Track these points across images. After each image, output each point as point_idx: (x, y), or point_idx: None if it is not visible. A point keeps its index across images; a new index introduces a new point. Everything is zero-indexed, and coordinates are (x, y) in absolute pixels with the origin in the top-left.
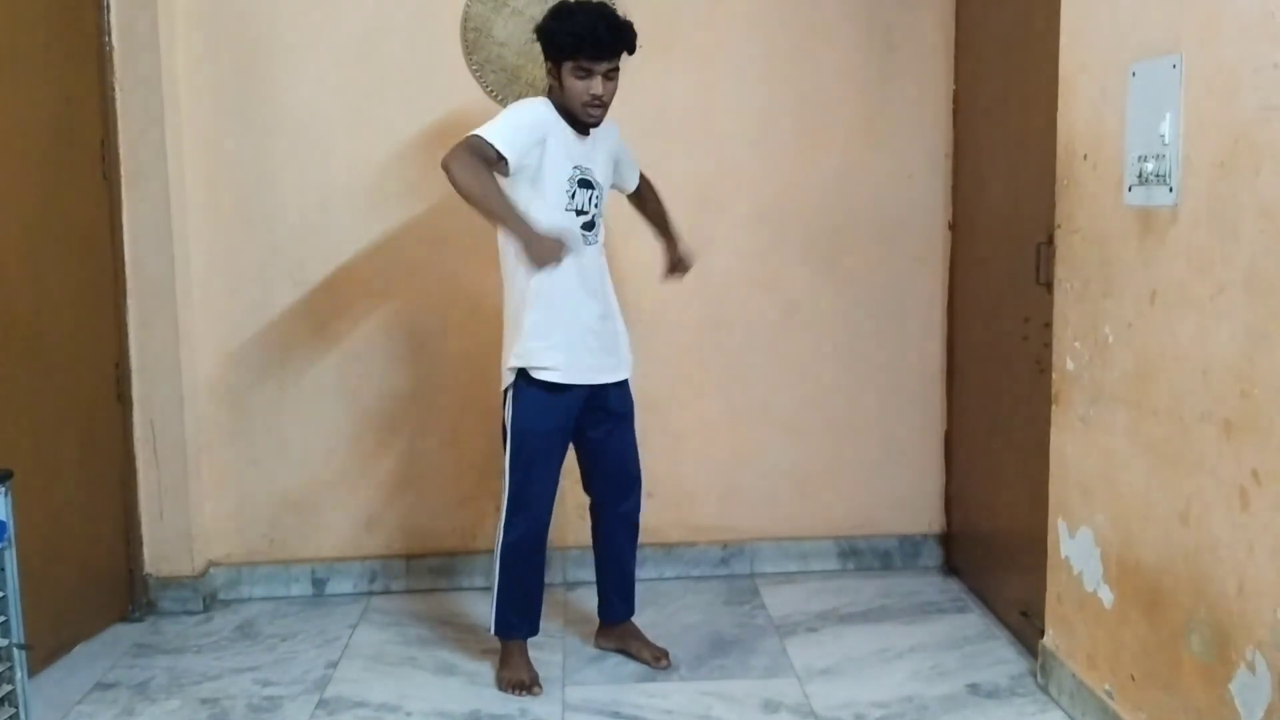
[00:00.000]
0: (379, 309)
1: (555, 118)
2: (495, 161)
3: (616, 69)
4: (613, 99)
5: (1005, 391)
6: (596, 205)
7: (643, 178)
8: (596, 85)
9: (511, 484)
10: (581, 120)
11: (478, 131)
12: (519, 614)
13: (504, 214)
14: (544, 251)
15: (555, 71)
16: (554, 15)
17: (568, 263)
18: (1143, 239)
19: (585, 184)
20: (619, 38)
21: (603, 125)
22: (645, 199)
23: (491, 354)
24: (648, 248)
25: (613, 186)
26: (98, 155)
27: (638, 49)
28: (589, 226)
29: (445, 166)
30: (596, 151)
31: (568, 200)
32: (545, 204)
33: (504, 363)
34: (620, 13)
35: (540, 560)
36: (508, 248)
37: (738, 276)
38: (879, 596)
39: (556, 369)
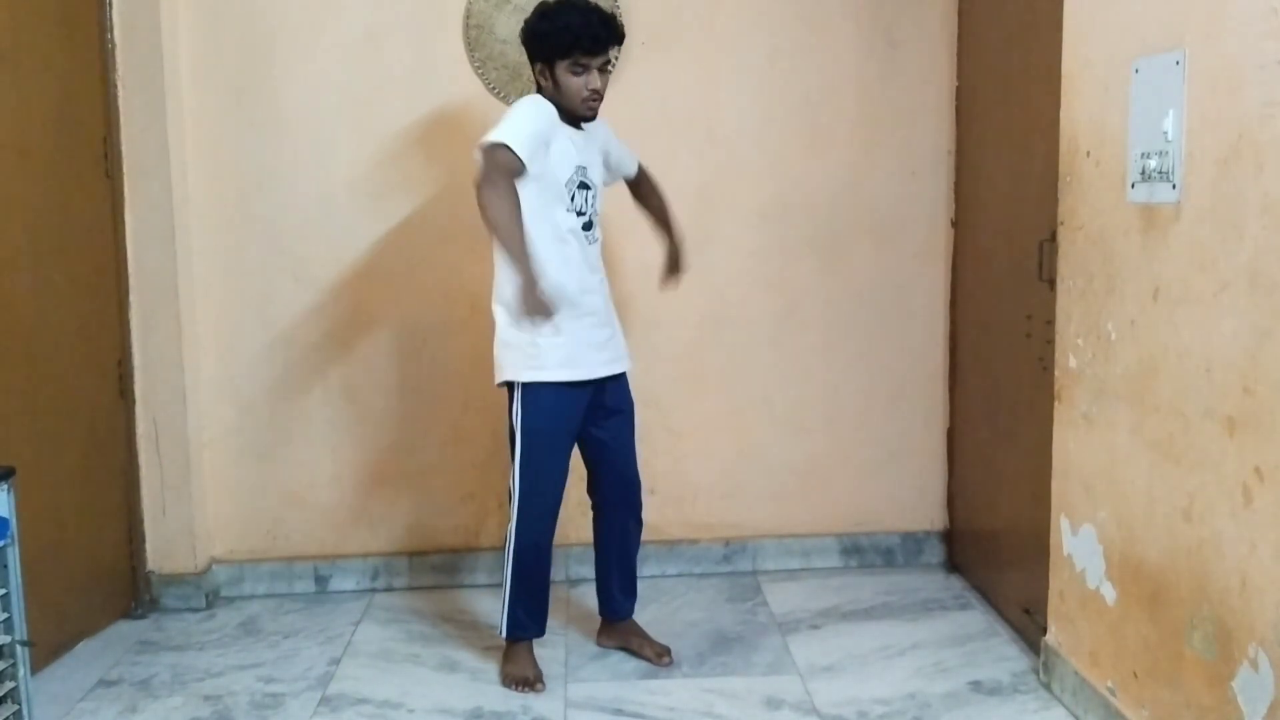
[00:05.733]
0: (381, 306)
1: (556, 116)
2: (519, 169)
3: (609, 62)
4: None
5: (1008, 389)
6: (593, 205)
7: (642, 170)
8: (594, 80)
9: (522, 485)
10: (580, 115)
11: (497, 137)
12: (530, 614)
13: (518, 256)
14: (537, 306)
15: (548, 71)
16: (542, 15)
17: (580, 255)
18: (1145, 236)
19: (584, 185)
20: (612, 31)
21: (590, 135)
22: (645, 191)
23: (493, 351)
24: (648, 247)
25: (608, 182)
26: (100, 152)
27: (640, 46)
28: (588, 226)
29: (478, 188)
30: (591, 150)
31: (569, 201)
32: (549, 206)
33: (501, 361)
34: (608, 6)
35: (549, 559)
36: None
37: (739, 273)
38: (881, 594)
39: (563, 367)
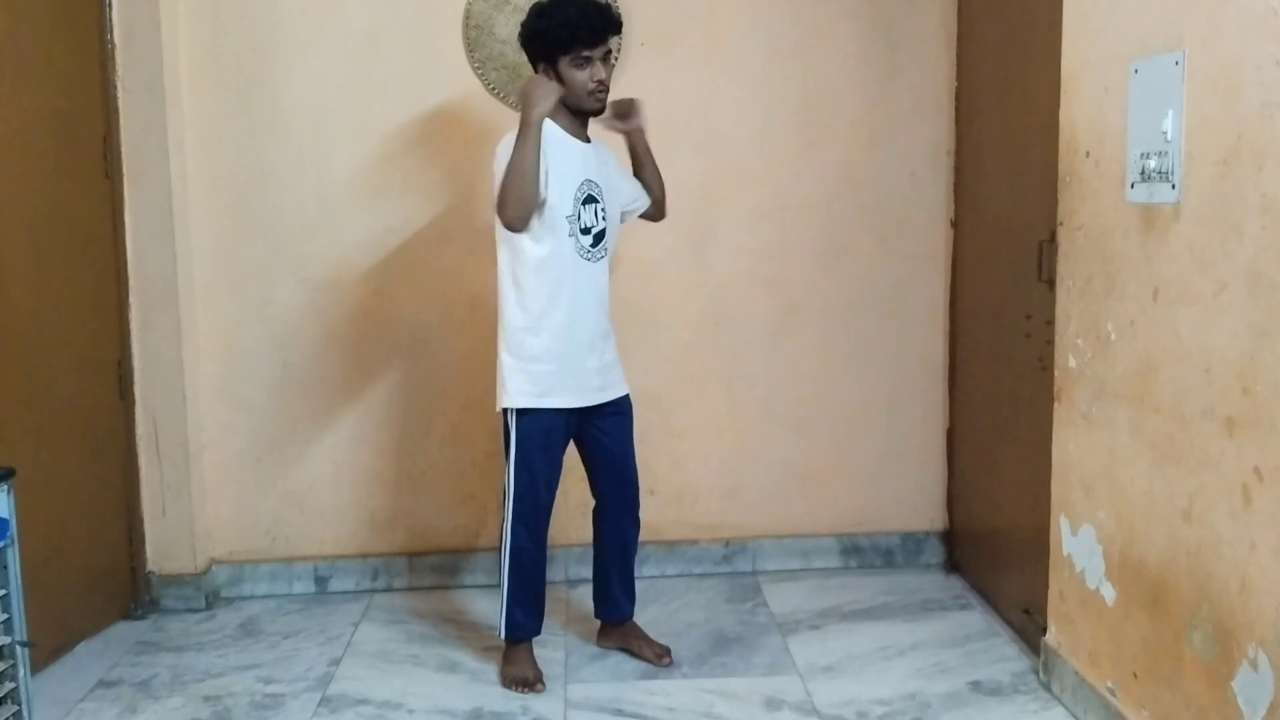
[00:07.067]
0: (381, 306)
1: (553, 131)
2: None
3: (610, 51)
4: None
5: (1007, 389)
6: (604, 218)
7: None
8: (599, 70)
9: (516, 490)
10: (588, 110)
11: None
12: (528, 614)
13: (523, 141)
14: (539, 95)
15: (551, 70)
16: (538, 15)
17: (577, 281)
18: (1145, 236)
19: (591, 199)
20: (609, 19)
21: (600, 148)
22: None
23: (493, 352)
24: (647, 247)
25: (627, 214)
26: (100, 153)
27: (640, 46)
28: (595, 243)
29: (500, 213)
30: (602, 165)
31: (569, 225)
32: (550, 229)
33: (501, 383)
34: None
35: (544, 559)
36: (509, 265)
37: (739, 274)
38: (881, 594)
39: (557, 394)
